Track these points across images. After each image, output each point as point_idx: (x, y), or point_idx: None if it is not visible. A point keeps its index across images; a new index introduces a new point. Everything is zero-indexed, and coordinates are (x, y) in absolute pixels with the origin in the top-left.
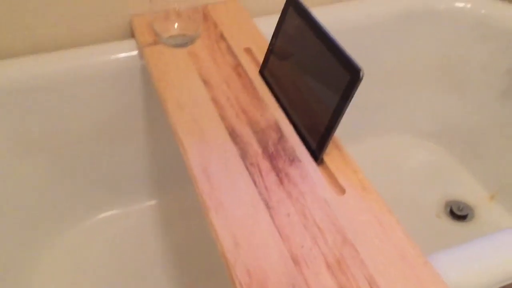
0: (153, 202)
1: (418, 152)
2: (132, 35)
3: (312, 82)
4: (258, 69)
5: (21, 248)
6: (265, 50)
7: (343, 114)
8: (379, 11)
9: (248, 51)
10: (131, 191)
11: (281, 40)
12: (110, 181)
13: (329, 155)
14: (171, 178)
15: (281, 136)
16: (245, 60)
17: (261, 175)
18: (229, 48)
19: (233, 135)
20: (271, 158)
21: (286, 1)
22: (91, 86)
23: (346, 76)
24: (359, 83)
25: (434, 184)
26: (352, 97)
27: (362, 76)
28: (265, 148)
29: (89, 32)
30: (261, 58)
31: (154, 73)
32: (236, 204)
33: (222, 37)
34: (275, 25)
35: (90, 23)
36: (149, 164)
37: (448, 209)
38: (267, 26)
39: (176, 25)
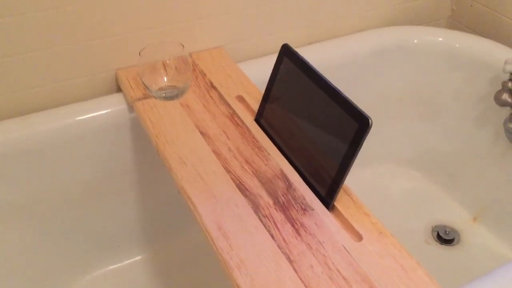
0: (145, 255)
1: (400, 180)
2: (117, 89)
3: (316, 131)
4: (253, 117)
5: None
6: (257, 97)
7: (353, 161)
8: (354, 49)
9: (241, 98)
10: (122, 246)
11: (277, 89)
12: (101, 239)
13: (339, 200)
14: (162, 230)
15: (289, 185)
16: (239, 109)
17: (277, 227)
18: (221, 97)
19: (241, 188)
20: (283, 208)
21: (280, 51)
22: (78, 145)
23: (354, 124)
24: (368, 131)
25: (418, 211)
26: (362, 145)
27: (371, 125)
28: (275, 199)
29: (72, 90)
30: (254, 105)
31: (151, 129)
32: (258, 261)
33: (212, 86)
34: (261, 69)
35: (73, 81)
36: (139, 217)
37: (435, 234)
38: (252, 71)
39: (165, 77)
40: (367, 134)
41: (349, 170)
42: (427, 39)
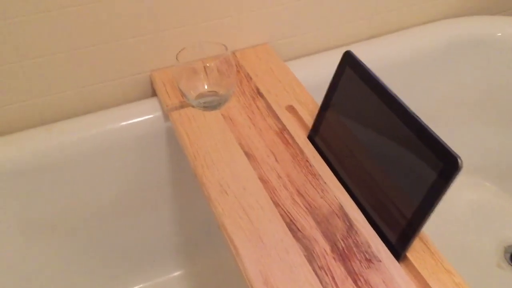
0: (179, 272)
1: (468, 191)
2: (152, 92)
3: (387, 163)
4: (306, 133)
5: None
6: (311, 107)
7: (436, 206)
8: (420, 43)
9: (292, 109)
10: (155, 262)
11: (338, 103)
12: (132, 254)
13: (412, 249)
14: (196, 246)
15: (350, 226)
16: (290, 122)
17: (335, 283)
18: (269, 107)
19: (293, 228)
20: (343, 258)
21: (341, 59)
22: (108, 156)
23: (438, 163)
24: (457, 175)
25: (489, 227)
26: (448, 188)
27: (461, 167)
28: (333, 244)
29: (103, 93)
30: (307, 118)
31: (188, 147)
32: None
33: (258, 92)
34: (314, 70)
35: (103, 84)
36: (173, 232)
37: (509, 256)
38: (304, 71)
39: (205, 82)
40: (455, 177)
41: (430, 215)
42: (504, 32)
